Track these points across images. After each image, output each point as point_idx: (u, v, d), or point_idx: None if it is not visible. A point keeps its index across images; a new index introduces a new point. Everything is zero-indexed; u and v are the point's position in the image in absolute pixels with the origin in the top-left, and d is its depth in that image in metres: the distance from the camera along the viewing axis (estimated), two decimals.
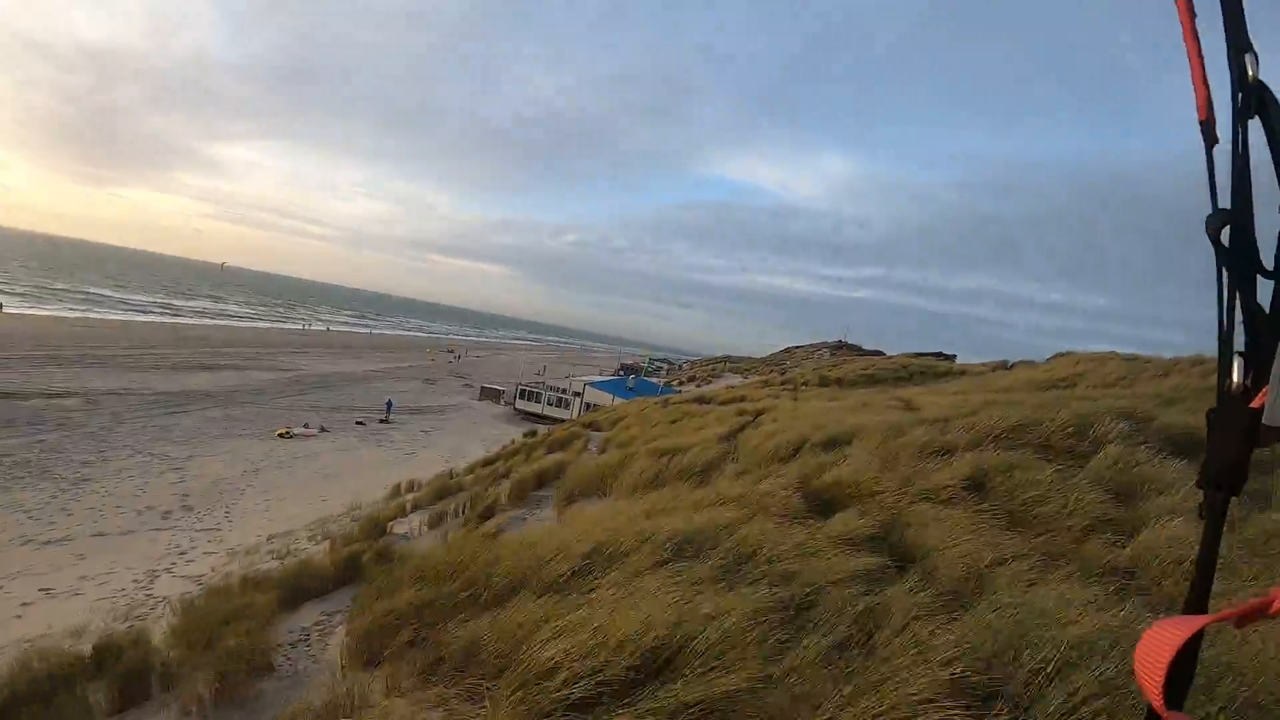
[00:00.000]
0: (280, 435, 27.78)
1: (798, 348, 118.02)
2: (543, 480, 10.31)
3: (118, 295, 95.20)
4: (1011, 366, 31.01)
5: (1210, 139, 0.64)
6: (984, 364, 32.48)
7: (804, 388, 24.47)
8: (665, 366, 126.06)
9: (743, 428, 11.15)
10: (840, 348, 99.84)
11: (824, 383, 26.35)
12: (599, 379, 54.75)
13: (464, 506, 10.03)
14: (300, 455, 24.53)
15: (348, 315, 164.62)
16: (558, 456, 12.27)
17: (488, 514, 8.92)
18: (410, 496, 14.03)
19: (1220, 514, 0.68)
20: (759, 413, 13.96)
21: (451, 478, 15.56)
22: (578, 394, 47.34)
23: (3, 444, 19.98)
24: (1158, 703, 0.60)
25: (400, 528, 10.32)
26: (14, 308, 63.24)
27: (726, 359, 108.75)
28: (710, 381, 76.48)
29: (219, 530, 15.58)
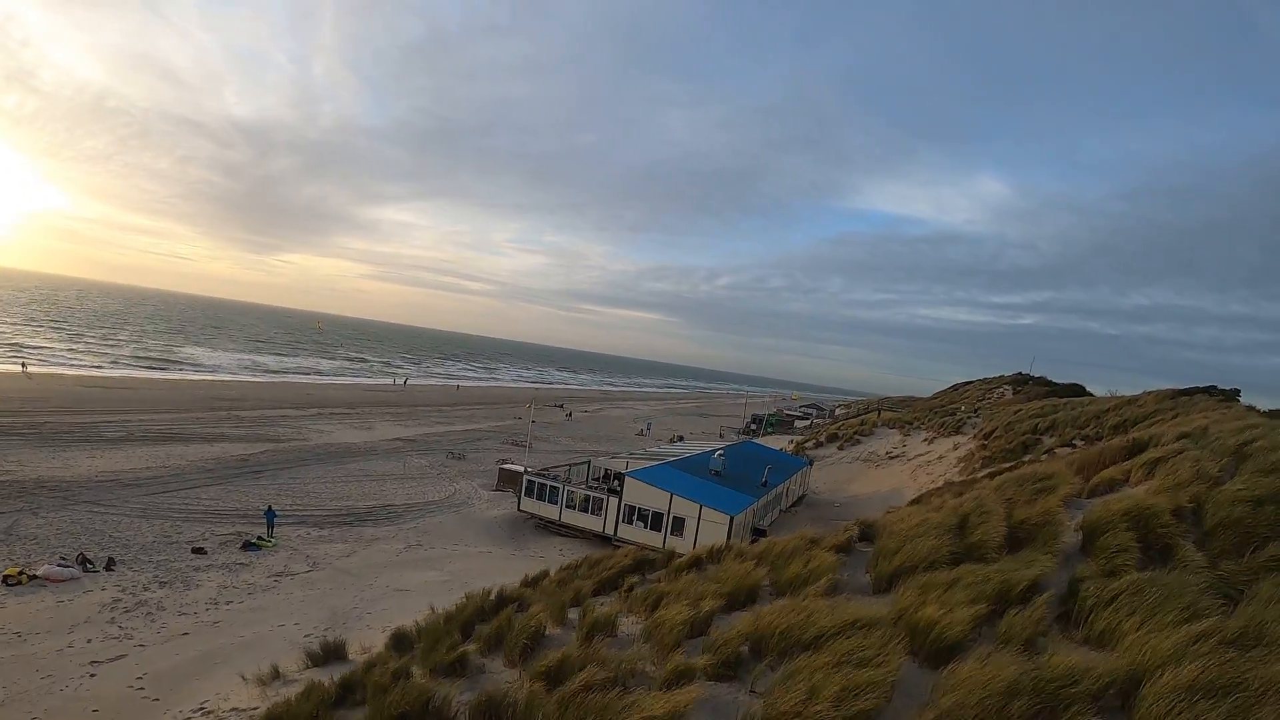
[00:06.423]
0: (6, 578, 16.43)
1: (968, 384, 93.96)
2: None
3: (206, 358, 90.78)
4: None
5: None
6: None
7: (1111, 567, 6.83)
8: (812, 413, 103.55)
9: None
10: (1024, 382, 76.14)
11: (1150, 544, 6.99)
12: (650, 463, 33.54)
13: None
14: None
15: (467, 367, 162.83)
16: None
17: None
18: None
19: None
20: None
21: None
22: (619, 485, 30.18)
23: None
24: None
25: None
26: (65, 366, 64.14)
27: (879, 405, 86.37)
28: (858, 440, 55.79)
29: None
